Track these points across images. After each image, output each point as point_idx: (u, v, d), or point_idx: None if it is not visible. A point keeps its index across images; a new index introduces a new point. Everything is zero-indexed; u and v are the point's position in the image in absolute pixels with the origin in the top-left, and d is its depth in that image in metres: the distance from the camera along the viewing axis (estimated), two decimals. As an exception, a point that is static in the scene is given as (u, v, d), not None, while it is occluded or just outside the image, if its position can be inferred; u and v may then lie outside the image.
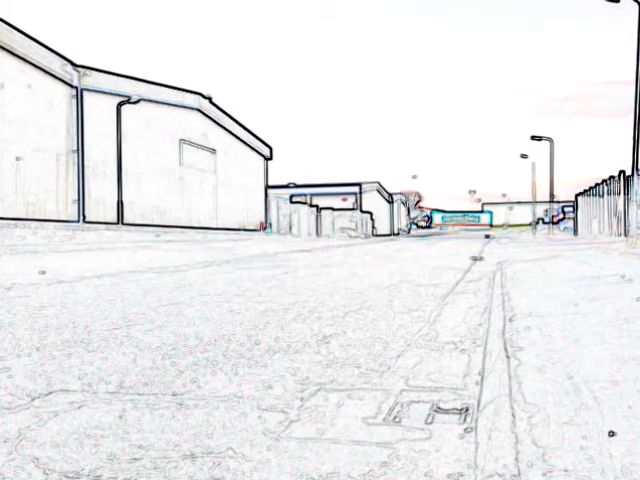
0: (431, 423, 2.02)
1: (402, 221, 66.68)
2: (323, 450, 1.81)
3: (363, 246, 22.88)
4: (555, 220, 57.76)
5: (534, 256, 13.05)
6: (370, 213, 48.92)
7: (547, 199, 40.54)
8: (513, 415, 1.93)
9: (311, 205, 40.54)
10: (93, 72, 20.93)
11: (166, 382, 2.63)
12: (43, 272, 8.07)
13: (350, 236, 41.09)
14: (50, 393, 2.48)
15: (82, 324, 4.31)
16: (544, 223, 62.65)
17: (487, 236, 39.14)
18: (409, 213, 73.88)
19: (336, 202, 47.99)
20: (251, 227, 32.86)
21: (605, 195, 33.11)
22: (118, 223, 22.24)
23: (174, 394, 2.44)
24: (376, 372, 2.75)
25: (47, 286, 7.39)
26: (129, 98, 21.94)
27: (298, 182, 51.63)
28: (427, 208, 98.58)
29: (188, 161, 26.67)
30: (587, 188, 40.06)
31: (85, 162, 20.63)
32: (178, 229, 25.50)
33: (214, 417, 2.14)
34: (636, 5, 15.46)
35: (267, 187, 34.99)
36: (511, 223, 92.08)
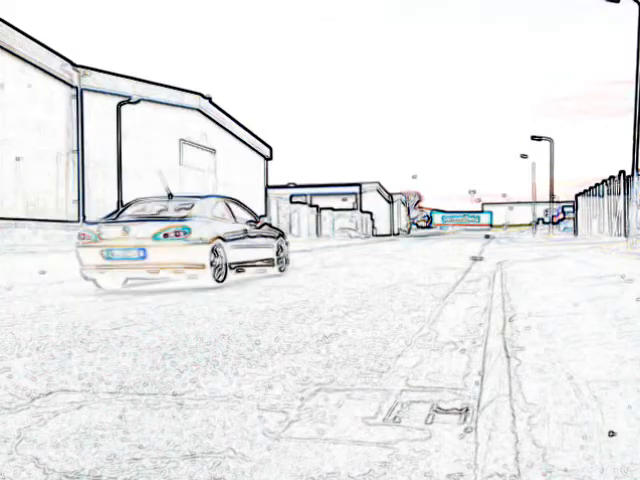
0: (431, 423, 2.02)
1: (402, 221, 66.65)
2: (323, 450, 1.81)
3: (363, 246, 22.89)
4: (555, 220, 57.66)
5: (534, 256, 13.05)
6: (370, 213, 48.91)
7: (547, 199, 40.52)
8: (513, 415, 1.93)
9: (311, 205, 40.50)
10: (93, 72, 20.91)
11: (166, 382, 2.63)
12: (43, 272, 8.07)
13: (350, 236, 41.07)
14: (50, 393, 2.48)
15: (82, 324, 4.31)
16: (544, 223, 62.53)
17: (487, 236, 39.11)
18: (409, 213, 73.84)
19: (336, 202, 47.96)
20: (251, 227, 32.76)
21: (605, 195, 33.06)
22: (118, 223, 22.16)
23: (174, 394, 2.44)
24: (376, 372, 2.75)
25: (47, 286, 7.38)
26: (129, 98, 21.92)
27: (298, 182, 51.61)
28: (427, 208, 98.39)
29: (188, 161, 26.64)
30: (587, 188, 40.00)
31: (85, 162, 20.61)
32: (178, 229, 25.42)
33: (214, 417, 2.14)
34: (636, 5, 15.45)
35: (267, 187, 34.94)
36: (511, 223, 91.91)
